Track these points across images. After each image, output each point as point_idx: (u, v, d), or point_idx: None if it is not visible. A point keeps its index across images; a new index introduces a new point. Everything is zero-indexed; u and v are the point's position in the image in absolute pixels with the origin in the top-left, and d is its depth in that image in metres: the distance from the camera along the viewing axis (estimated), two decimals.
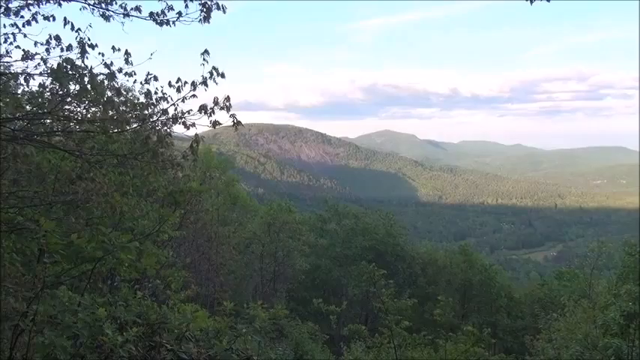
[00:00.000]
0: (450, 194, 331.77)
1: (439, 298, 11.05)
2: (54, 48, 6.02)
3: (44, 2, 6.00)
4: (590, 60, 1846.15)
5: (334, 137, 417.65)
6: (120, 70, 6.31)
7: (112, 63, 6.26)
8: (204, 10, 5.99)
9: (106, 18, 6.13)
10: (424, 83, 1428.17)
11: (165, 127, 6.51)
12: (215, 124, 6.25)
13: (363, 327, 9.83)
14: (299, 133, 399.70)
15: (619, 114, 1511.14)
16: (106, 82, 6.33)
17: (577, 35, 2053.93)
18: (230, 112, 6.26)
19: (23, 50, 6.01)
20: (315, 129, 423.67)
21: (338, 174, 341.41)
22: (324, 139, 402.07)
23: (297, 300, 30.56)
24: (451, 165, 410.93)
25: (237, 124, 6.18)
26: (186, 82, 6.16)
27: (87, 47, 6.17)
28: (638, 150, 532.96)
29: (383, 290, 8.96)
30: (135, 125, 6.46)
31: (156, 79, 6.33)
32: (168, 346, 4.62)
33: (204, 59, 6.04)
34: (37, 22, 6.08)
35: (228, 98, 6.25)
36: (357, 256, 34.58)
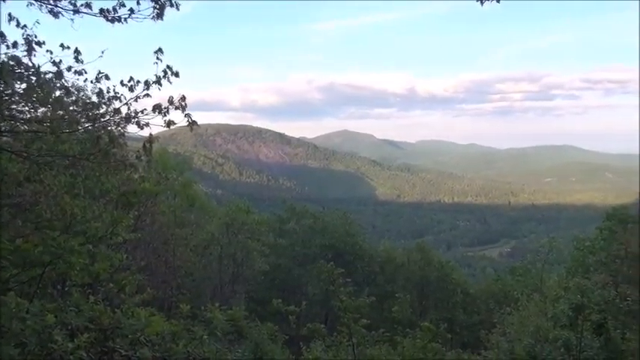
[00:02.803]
0: (408, 193, 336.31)
1: (397, 295, 11.20)
2: None
3: None
4: (541, 62, 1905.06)
5: (293, 137, 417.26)
6: (69, 69, 6.13)
7: (60, 61, 6.07)
8: (157, 7, 5.87)
9: (55, 15, 5.92)
10: (382, 84, 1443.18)
11: (118, 127, 6.37)
12: (170, 123, 6.15)
13: (322, 326, 9.84)
14: (257, 133, 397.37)
15: (568, 114, 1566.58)
16: (54, 80, 6.14)
17: (529, 38, 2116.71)
18: (185, 112, 6.18)
19: None
20: (274, 129, 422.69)
21: (297, 174, 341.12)
22: (282, 139, 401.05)
23: (256, 301, 30.32)
24: (409, 164, 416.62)
25: (192, 123, 6.10)
26: (139, 81, 6.04)
27: (34, 44, 5.96)
28: (586, 148, 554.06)
29: (341, 289, 9.00)
30: (86, 125, 6.29)
31: (107, 77, 6.18)
32: (122, 351, 4.52)
33: (157, 58, 5.93)
34: None
35: (183, 98, 6.16)
36: (317, 256, 34.63)
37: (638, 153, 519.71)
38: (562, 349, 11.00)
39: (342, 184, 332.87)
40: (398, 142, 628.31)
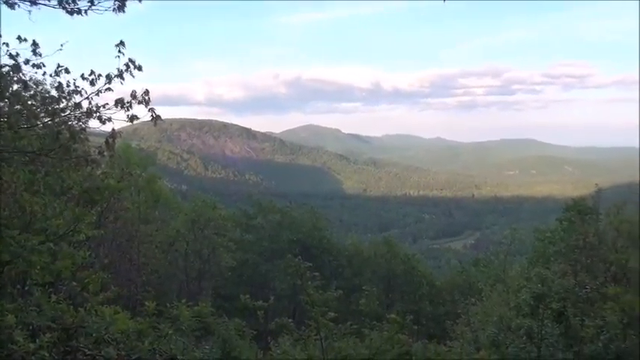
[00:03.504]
0: (374, 187, 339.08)
1: (364, 288, 11.29)
2: None
3: None
4: (502, 57, 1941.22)
5: (259, 132, 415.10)
6: (27, 62, 5.96)
7: (17, 54, 5.89)
8: None
9: (11, 5, 5.73)
10: (348, 78, 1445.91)
11: (79, 122, 6.23)
12: (133, 118, 6.05)
13: (290, 320, 9.84)
14: (223, 128, 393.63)
15: (529, 108, 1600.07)
16: (11, 74, 5.96)
17: (490, 34, 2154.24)
18: (149, 106, 6.08)
19: None
20: (240, 124, 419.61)
21: (263, 169, 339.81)
22: (248, 134, 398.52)
23: (223, 297, 30.13)
24: (375, 158, 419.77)
25: (156, 118, 6.01)
26: (100, 75, 5.91)
27: None
28: (546, 142, 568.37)
29: (309, 283, 9.02)
30: (45, 120, 6.13)
31: (67, 71, 6.03)
32: (86, 350, 4.44)
33: (119, 51, 5.82)
34: None
35: (146, 92, 6.06)
36: (284, 251, 34.58)
37: (596, 146, 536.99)
38: (524, 337, 11.29)
39: (308, 179, 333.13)
40: (364, 136, 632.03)
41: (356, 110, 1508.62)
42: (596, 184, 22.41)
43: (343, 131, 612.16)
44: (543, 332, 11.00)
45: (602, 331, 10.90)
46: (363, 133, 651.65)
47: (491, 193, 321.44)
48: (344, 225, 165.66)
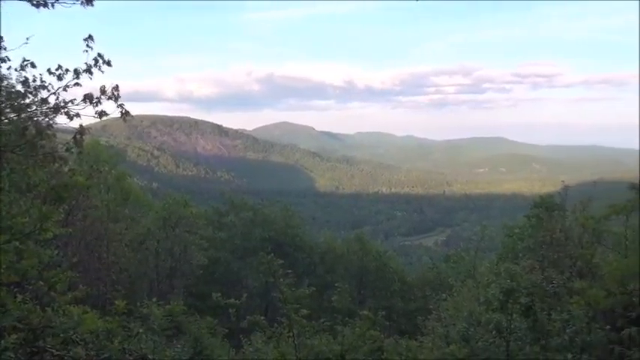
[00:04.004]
0: (347, 184, 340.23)
1: (337, 285, 11.34)
2: None
3: None
4: (473, 56, 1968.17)
5: (231, 129, 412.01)
6: None
7: None
8: None
9: None
10: (321, 75, 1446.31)
11: (46, 118, 6.08)
12: (102, 114, 5.94)
13: (262, 318, 9.82)
14: (194, 124, 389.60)
15: (499, 107, 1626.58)
16: None
17: (461, 33, 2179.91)
18: (118, 102, 5.98)
19: None
20: (212, 121, 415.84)
21: (236, 166, 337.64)
22: (220, 131, 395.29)
23: (195, 295, 29.87)
24: (347, 156, 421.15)
25: (126, 114, 5.92)
26: (68, 70, 5.78)
27: None
28: (515, 140, 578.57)
29: (281, 280, 9.01)
30: (11, 116, 5.98)
31: (33, 65, 5.88)
32: (53, 351, 4.35)
33: (87, 45, 5.70)
34: None
35: (116, 87, 5.96)
36: (257, 248, 34.46)
37: (563, 144, 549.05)
38: (493, 332, 11.50)
39: (281, 176, 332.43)
40: (337, 133, 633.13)
41: (329, 108, 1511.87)
42: (562, 182, 22.93)
43: (316, 129, 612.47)
44: (512, 326, 11.22)
45: (569, 325, 11.18)
46: (336, 130, 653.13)
47: (461, 190, 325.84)
48: (317, 222, 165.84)
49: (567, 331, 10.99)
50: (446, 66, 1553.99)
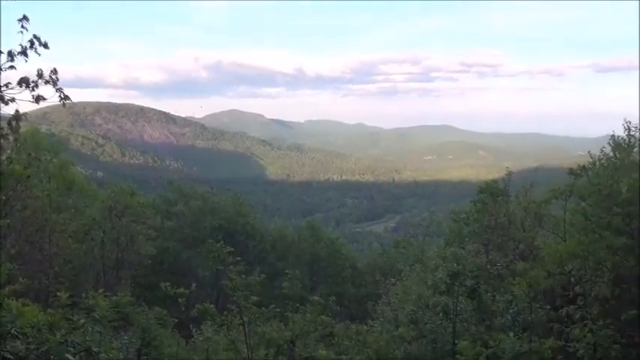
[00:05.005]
0: (298, 172, 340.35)
1: (287, 271, 11.36)
2: None
3: None
4: (422, 45, 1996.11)
5: (179, 117, 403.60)
6: None
7: None
8: None
9: None
10: (270, 63, 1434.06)
11: None
12: (39, 99, 5.68)
13: (212, 306, 9.74)
14: (141, 112, 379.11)
15: (446, 95, 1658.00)
16: None
17: (410, 22, 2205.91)
18: (57, 87, 5.73)
19: None
20: (159, 108, 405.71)
21: (184, 155, 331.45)
22: (168, 118, 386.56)
23: (144, 286, 29.29)
24: (298, 144, 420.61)
25: (65, 98, 5.68)
26: (1, 52, 5.49)
27: None
28: (461, 128, 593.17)
29: (231, 267, 8.95)
30: None
31: None
32: None
33: (22, 27, 5.43)
34: None
35: (54, 71, 5.71)
36: (207, 237, 33.93)
37: (508, 132, 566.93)
38: (441, 314, 11.85)
39: (231, 165, 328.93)
40: (287, 121, 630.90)
41: (279, 96, 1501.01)
42: (507, 168, 23.72)
43: (266, 117, 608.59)
44: (458, 308, 11.59)
45: (511, 305, 11.64)
46: (287, 118, 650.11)
47: (410, 177, 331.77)
48: (268, 210, 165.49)
49: (510, 311, 11.45)
50: (395, 54, 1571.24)
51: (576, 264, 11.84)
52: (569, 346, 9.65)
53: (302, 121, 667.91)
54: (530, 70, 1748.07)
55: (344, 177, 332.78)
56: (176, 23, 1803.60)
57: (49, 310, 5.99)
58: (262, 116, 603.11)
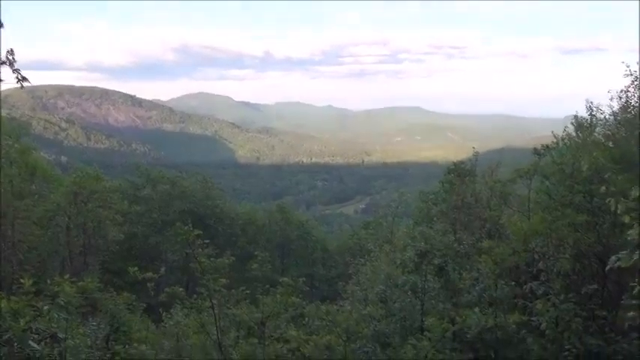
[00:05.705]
0: (267, 155, 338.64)
1: (256, 253, 11.35)
2: None
3: None
4: (389, 26, 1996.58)
5: (145, 100, 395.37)
6: None
7: None
8: None
9: None
10: (238, 45, 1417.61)
11: None
12: None
13: (181, 289, 9.68)
14: (105, 95, 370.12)
15: (415, 77, 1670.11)
16: None
17: (378, 3, 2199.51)
18: (14, 67, 5.54)
19: None
20: (124, 91, 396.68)
21: (151, 138, 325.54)
22: (134, 101, 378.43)
23: (112, 272, 28.94)
24: (267, 126, 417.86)
25: (22, 80, 5.50)
26: None
27: None
28: (429, 109, 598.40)
29: (200, 250, 8.88)
30: None
31: None
32: None
33: None
34: None
35: (11, 51, 5.51)
36: (176, 221, 33.63)
37: (475, 114, 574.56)
38: (409, 292, 12.05)
39: (200, 148, 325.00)
40: (256, 104, 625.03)
41: (247, 78, 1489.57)
42: (473, 149, 24.09)
43: (235, 99, 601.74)
44: (426, 286, 11.80)
45: (477, 282, 11.91)
46: (255, 101, 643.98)
47: (380, 159, 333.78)
48: (237, 194, 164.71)
49: (476, 288, 11.71)
50: (364, 36, 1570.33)
51: (540, 241, 12.18)
52: (533, 320, 9.95)
53: (271, 103, 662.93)
54: (497, 51, 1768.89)
55: (314, 159, 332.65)
56: (140, 2, 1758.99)
57: (13, 298, 5.86)
58: (231, 99, 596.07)
